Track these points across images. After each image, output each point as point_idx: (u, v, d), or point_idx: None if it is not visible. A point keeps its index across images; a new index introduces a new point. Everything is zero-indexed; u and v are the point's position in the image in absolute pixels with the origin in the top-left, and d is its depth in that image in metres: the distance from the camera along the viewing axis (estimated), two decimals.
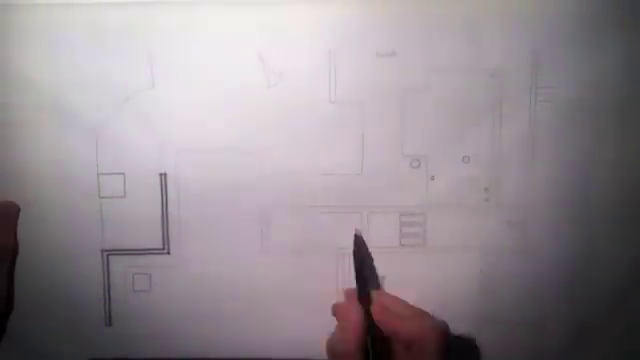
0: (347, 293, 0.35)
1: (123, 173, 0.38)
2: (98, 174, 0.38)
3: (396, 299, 0.34)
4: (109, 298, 0.39)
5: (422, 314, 0.33)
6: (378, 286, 0.37)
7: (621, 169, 0.37)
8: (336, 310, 0.35)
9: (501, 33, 0.36)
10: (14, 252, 0.37)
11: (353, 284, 0.35)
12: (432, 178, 0.38)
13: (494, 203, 0.38)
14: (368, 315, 0.33)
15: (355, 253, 0.35)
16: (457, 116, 0.37)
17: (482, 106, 0.37)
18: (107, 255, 0.39)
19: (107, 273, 0.39)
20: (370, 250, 0.37)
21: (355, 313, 0.33)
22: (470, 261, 0.38)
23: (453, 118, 0.37)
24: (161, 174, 0.38)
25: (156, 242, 0.39)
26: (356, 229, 0.36)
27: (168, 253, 0.39)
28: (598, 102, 0.37)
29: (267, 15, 0.36)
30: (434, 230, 0.38)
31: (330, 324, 0.38)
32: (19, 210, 0.36)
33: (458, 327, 0.39)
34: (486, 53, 0.37)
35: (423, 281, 0.39)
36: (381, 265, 0.38)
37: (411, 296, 0.38)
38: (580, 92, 0.37)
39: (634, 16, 0.36)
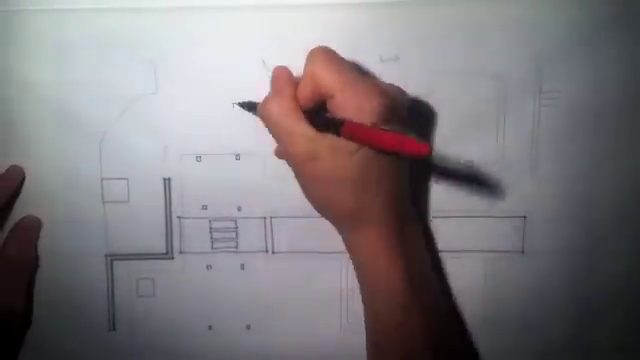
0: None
1: (127, 178, 0.38)
2: (102, 179, 0.38)
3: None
4: (113, 303, 0.39)
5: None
6: None
7: (626, 173, 0.37)
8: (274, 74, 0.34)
9: (504, 37, 0.36)
10: (34, 266, 0.37)
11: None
12: (435, 182, 0.38)
13: (498, 207, 0.38)
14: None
15: None
16: (460, 120, 0.37)
17: (486, 110, 0.37)
18: (111, 260, 0.39)
19: (111, 278, 0.39)
20: None
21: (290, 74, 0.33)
22: (474, 265, 0.38)
23: (456, 122, 0.37)
24: (165, 179, 0.38)
25: (160, 247, 0.39)
26: None
27: (172, 258, 0.39)
28: (602, 105, 0.37)
29: (270, 20, 0.36)
30: (438, 235, 0.38)
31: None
32: (41, 225, 0.37)
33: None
34: (489, 57, 0.37)
35: None
36: None
37: None
38: (584, 95, 0.37)
39: (638, 18, 0.36)
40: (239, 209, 0.38)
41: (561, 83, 0.37)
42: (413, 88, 0.37)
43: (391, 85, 0.33)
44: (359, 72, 0.32)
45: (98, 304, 0.39)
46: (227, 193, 0.38)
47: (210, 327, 0.39)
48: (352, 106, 0.30)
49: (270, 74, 0.34)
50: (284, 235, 0.39)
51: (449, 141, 0.37)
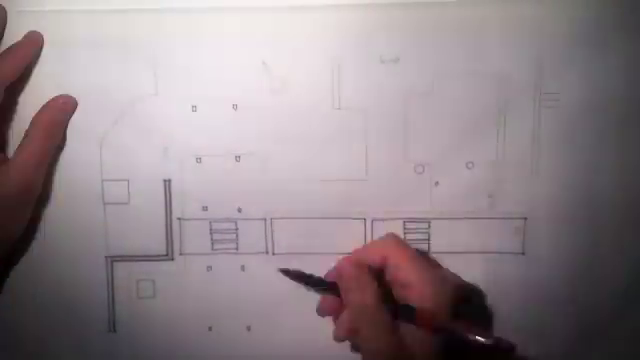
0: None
1: (127, 179, 0.38)
2: (102, 180, 0.38)
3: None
4: (113, 304, 0.39)
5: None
6: None
7: (626, 174, 0.37)
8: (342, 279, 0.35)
9: (505, 38, 0.36)
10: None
11: None
12: (436, 184, 0.38)
13: (498, 209, 0.38)
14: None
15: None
16: (461, 121, 0.37)
17: (486, 111, 0.37)
18: (111, 261, 0.39)
19: (111, 279, 0.39)
20: None
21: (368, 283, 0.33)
22: (474, 267, 0.38)
23: (457, 123, 0.37)
24: (165, 180, 0.38)
25: (160, 248, 0.39)
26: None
27: (172, 259, 0.39)
28: (603, 107, 0.37)
29: (271, 21, 0.36)
30: (438, 236, 0.38)
31: (331, 330, 0.38)
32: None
33: None
34: (490, 58, 0.36)
35: None
36: None
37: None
38: (585, 97, 0.37)
39: (638, 19, 0.36)
40: (239, 210, 0.38)
41: (562, 84, 0.37)
42: (413, 89, 0.37)
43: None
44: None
45: (98, 305, 0.39)
46: (227, 194, 0.38)
47: (210, 328, 0.39)
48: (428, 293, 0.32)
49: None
50: (284, 236, 0.38)
51: (450, 142, 0.37)
